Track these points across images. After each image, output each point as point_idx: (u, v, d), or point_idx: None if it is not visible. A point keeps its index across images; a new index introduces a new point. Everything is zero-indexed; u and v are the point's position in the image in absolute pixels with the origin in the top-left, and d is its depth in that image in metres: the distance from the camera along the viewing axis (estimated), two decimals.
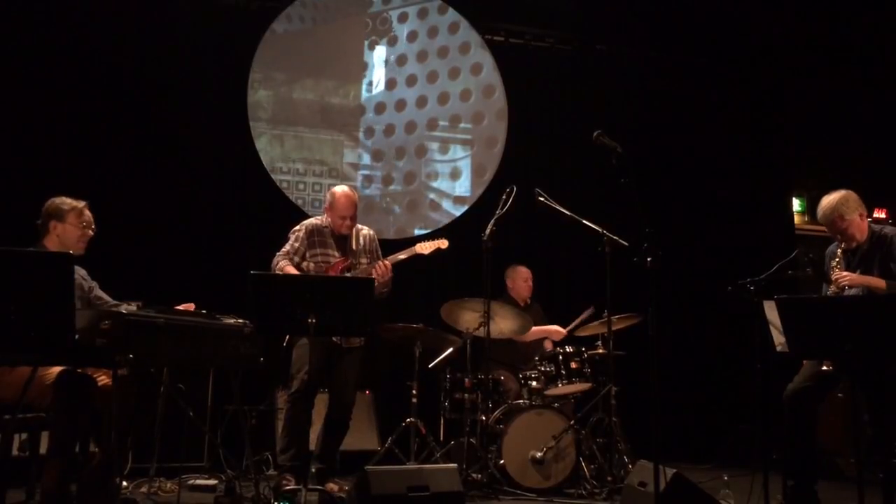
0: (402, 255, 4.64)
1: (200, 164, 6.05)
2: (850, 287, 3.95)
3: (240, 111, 6.21)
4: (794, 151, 7.43)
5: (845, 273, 3.94)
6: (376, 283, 4.14)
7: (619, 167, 3.59)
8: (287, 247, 4.57)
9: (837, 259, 4.05)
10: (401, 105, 6.72)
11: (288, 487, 4.17)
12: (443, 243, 4.78)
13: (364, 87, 6.66)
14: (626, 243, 4.59)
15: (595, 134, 3.77)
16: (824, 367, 3.78)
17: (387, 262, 4.51)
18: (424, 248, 4.73)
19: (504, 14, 6.94)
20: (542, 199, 4.96)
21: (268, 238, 4.75)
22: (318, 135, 6.48)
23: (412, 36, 6.79)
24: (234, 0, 6.29)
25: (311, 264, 4.52)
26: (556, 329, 5.53)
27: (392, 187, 6.63)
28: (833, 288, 3.98)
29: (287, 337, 4.49)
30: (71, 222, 3.66)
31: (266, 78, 6.35)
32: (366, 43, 6.70)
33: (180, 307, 3.73)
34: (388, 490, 3.62)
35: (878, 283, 3.86)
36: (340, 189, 4.65)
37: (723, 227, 7.02)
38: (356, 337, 4.46)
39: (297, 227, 4.64)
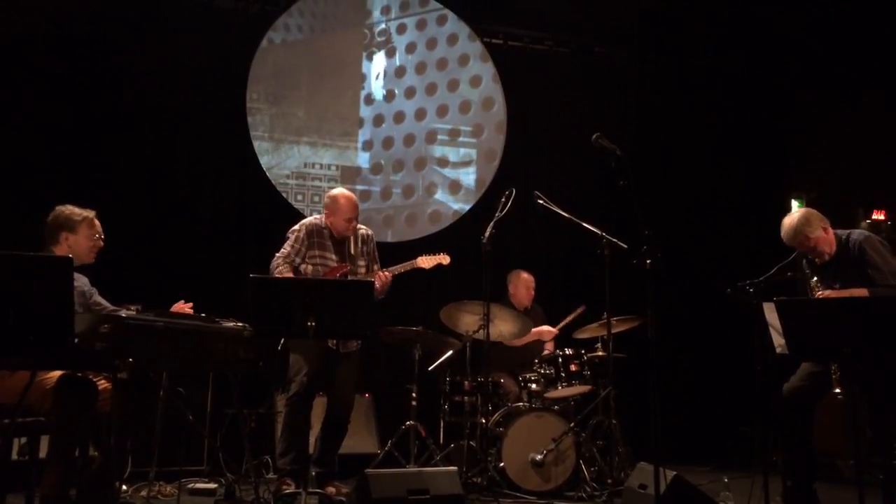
0: (401, 268, 4.64)
1: (200, 169, 6.04)
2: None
3: (240, 115, 6.20)
4: (794, 152, 7.43)
5: (828, 292, 3.93)
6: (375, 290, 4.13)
7: (619, 169, 3.59)
8: (287, 248, 4.52)
9: (815, 279, 4.04)
10: (399, 117, 6.69)
11: (288, 491, 4.17)
12: (444, 259, 4.80)
13: (362, 98, 6.63)
14: (625, 245, 4.59)
15: (594, 136, 3.77)
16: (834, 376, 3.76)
17: (387, 273, 4.50)
18: (426, 262, 4.74)
19: (502, 16, 6.94)
20: (540, 201, 4.96)
21: (267, 242, 4.75)
22: (315, 145, 6.45)
23: (411, 47, 6.77)
24: (234, 3, 6.29)
25: (309, 266, 4.49)
26: (547, 329, 5.52)
27: (391, 201, 6.59)
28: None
29: (282, 340, 4.46)
30: (83, 233, 3.67)
31: (264, 88, 6.32)
32: (364, 54, 6.67)
33: (176, 307, 3.74)
34: (389, 493, 3.63)
35: (861, 293, 3.83)
36: (340, 191, 4.63)
37: (722, 229, 7.03)
38: (355, 340, 4.45)
39: (297, 227, 4.59)
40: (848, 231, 4.08)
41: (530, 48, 7.04)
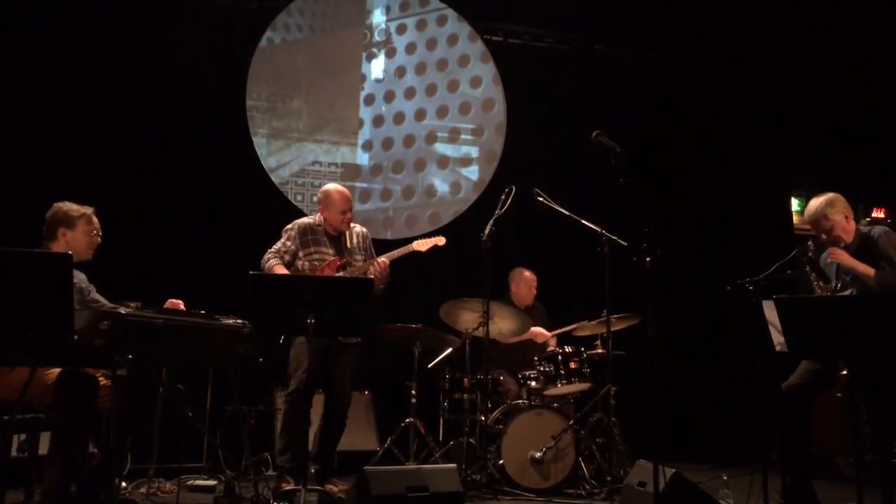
0: (399, 253, 4.64)
1: (200, 165, 6.04)
2: (841, 265, 4.02)
3: (240, 112, 6.20)
4: (794, 151, 7.43)
5: (837, 250, 3.99)
6: (374, 282, 4.14)
7: (619, 167, 3.59)
8: (278, 245, 4.54)
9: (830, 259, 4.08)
10: (399, 118, 6.67)
11: (287, 488, 4.17)
12: (440, 240, 4.78)
13: (362, 98, 6.61)
14: (625, 243, 4.59)
15: (594, 133, 3.78)
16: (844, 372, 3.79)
17: (384, 261, 4.50)
18: (421, 245, 4.73)
19: (503, 14, 6.94)
20: (540, 198, 4.96)
21: (267, 241, 4.74)
22: (315, 145, 6.44)
23: (411, 48, 6.74)
24: (233, 0, 6.29)
25: (306, 263, 4.50)
26: (540, 331, 5.51)
27: (390, 201, 6.58)
28: (829, 259, 4.06)
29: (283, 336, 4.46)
30: (80, 230, 3.67)
31: (264, 87, 6.30)
32: (364, 54, 6.65)
33: (169, 304, 3.74)
34: (388, 490, 3.62)
35: (867, 269, 3.89)
36: (333, 186, 4.67)
37: (722, 227, 7.03)
38: (353, 336, 4.45)
39: (290, 226, 4.62)
40: (871, 227, 4.13)
41: (531, 45, 7.03)
